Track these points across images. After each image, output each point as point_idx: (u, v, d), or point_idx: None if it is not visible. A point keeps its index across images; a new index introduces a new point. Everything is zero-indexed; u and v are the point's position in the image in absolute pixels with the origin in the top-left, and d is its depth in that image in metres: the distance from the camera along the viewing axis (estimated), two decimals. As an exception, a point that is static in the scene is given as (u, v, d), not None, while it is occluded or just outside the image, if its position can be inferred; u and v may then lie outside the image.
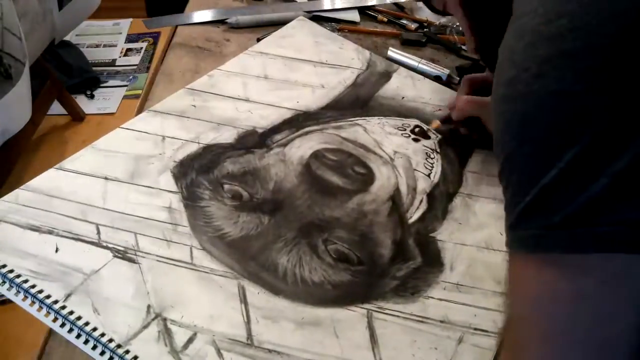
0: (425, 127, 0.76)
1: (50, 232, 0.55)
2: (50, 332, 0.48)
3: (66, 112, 1.59)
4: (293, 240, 0.59)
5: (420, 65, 0.89)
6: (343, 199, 0.64)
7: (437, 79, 0.87)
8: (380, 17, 1.02)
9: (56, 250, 0.53)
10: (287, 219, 0.61)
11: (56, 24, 1.37)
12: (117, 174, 0.62)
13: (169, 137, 0.68)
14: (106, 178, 0.62)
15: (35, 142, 1.32)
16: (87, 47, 1.87)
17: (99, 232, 0.56)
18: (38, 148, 1.43)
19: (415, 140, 0.73)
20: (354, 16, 1.01)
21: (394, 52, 0.90)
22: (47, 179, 0.61)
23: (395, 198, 0.65)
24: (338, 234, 0.60)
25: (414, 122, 0.76)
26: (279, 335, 0.50)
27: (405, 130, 0.74)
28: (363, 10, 1.03)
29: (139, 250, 0.55)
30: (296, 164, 0.68)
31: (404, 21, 1.02)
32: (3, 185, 1.16)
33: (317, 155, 0.69)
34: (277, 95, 0.77)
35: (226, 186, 0.63)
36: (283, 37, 0.87)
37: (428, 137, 0.74)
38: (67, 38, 1.62)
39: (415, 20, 1.03)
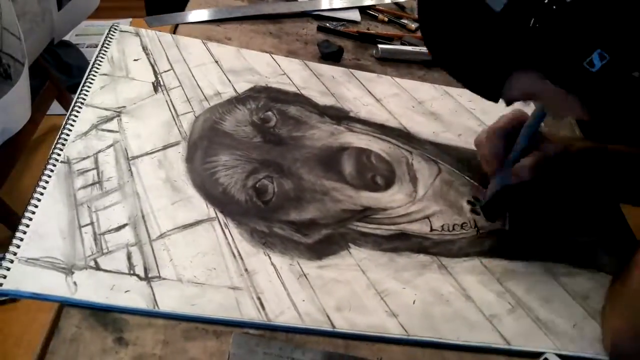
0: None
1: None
2: (54, 330, 0.48)
3: (66, 112, 1.57)
4: (257, 169, 0.64)
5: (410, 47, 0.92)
6: (331, 177, 0.66)
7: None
8: (380, 16, 1.02)
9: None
10: (273, 153, 0.67)
11: (55, 24, 1.37)
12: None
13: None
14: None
15: (35, 142, 1.32)
16: (86, 47, 1.86)
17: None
18: (38, 148, 1.43)
19: (474, 212, 0.68)
20: (355, 16, 1.01)
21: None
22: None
23: (367, 211, 0.64)
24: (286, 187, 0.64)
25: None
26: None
27: (475, 205, 0.68)
28: (363, 10, 1.03)
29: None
30: (338, 143, 0.71)
31: (405, 21, 1.02)
32: (3, 185, 1.16)
33: (364, 151, 0.71)
34: (405, 109, 0.81)
35: (268, 113, 0.72)
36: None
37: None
38: (66, 38, 1.62)
39: (416, 20, 1.03)
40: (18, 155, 1.26)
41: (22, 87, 1.15)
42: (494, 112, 0.84)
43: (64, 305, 0.49)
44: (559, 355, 0.55)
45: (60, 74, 1.60)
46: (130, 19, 1.98)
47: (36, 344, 0.48)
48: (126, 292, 0.50)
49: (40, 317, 0.52)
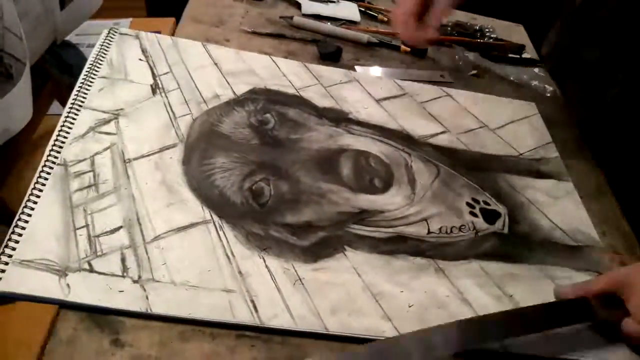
0: (501, 210, 0.69)
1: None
2: (51, 331, 0.48)
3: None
4: (254, 171, 0.64)
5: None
6: (329, 179, 0.66)
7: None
8: (380, 16, 1.02)
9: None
10: (270, 155, 0.67)
11: (58, 24, 1.37)
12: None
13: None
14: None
15: (35, 142, 1.32)
16: (87, 46, 1.85)
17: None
18: (38, 148, 1.42)
19: (473, 214, 0.67)
20: (354, 15, 1.01)
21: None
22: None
23: (364, 213, 0.64)
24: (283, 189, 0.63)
25: (484, 197, 0.70)
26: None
27: (474, 207, 0.68)
28: (363, 10, 1.03)
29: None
30: (337, 145, 0.71)
31: (405, 21, 1.02)
32: (3, 186, 1.16)
33: (362, 153, 0.71)
34: (405, 111, 0.81)
35: (266, 115, 0.72)
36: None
37: (492, 222, 0.67)
38: (67, 38, 1.62)
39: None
40: (18, 155, 1.26)
41: (24, 88, 1.14)
42: (495, 113, 0.85)
43: (62, 307, 0.49)
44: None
45: (61, 74, 1.60)
46: (131, 19, 1.97)
47: (36, 345, 0.49)
48: (119, 293, 0.50)
49: (41, 319, 0.52)
